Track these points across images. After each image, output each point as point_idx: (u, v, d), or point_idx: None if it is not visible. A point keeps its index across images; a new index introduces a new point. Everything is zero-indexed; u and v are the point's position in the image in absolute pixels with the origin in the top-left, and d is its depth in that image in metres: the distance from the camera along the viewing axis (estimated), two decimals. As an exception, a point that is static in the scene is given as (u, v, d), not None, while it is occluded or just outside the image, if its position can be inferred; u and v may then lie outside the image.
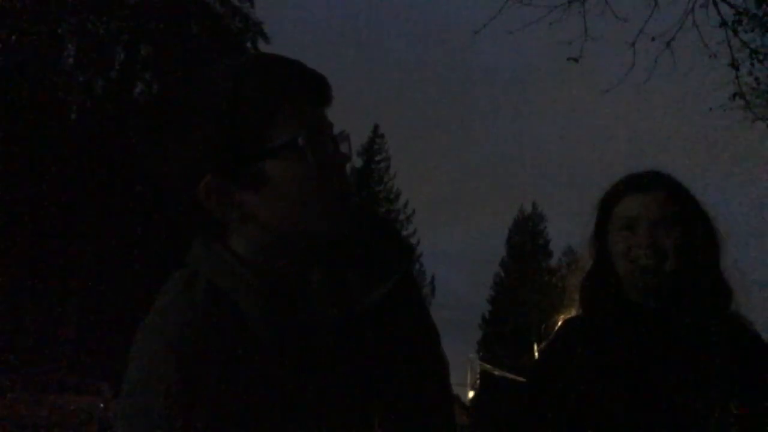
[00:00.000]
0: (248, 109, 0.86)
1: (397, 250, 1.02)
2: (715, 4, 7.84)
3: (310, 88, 0.89)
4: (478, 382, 30.92)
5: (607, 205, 1.45)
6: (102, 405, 13.77)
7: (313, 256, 0.93)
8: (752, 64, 8.19)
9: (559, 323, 1.51)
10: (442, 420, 1.05)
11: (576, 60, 7.89)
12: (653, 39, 8.01)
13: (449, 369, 1.09)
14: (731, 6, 7.99)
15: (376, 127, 37.34)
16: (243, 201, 0.88)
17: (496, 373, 27.15)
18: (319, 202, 0.88)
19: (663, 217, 1.36)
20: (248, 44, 21.69)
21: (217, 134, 0.86)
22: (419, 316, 1.05)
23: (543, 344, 1.52)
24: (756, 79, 8.27)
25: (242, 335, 0.87)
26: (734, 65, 8.10)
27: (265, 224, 0.89)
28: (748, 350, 1.33)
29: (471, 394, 31.17)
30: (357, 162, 36.91)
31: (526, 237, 40.63)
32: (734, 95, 8.30)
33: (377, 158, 37.19)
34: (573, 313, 1.51)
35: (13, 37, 15.71)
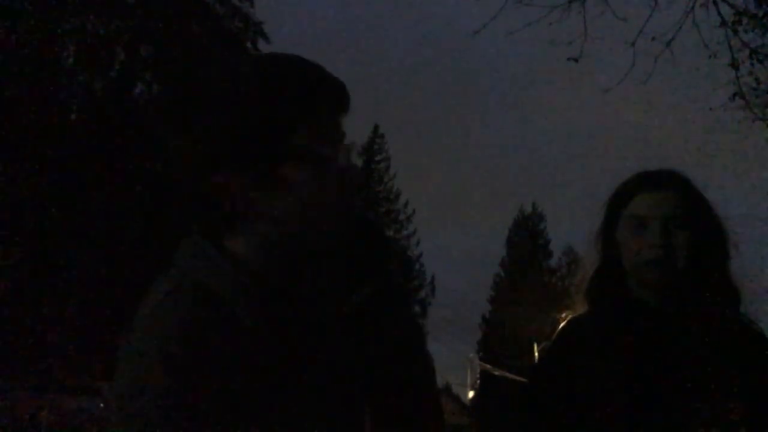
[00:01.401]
0: (276, 110, 0.87)
1: (379, 252, 1.03)
2: (715, 4, 7.84)
3: (334, 96, 0.91)
4: (478, 382, 30.90)
5: (617, 202, 1.44)
6: (102, 405, 13.75)
7: (305, 258, 0.94)
8: (752, 64, 8.19)
9: (562, 323, 1.50)
10: (431, 416, 1.06)
11: (576, 60, 7.89)
12: (653, 39, 8.01)
13: (434, 366, 1.10)
14: (731, 6, 7.99)
15: (376, 127, 37.36)
16: (256, 200, 0.88)
17: (496, 373, 27.13)
18: (329, 211, 0.90)
19: (674, 216, 1.35)
20: (248, 44, 21.68)
21: (242, 130, 0.86)
22: (403, 317, 1.06)
23: (545, 344, 1.51)
24: (756, 79, 8.27)
25: (233, 334, 0.87)
26: (734, 65, 8.10)
27: (272, 226, 0.89)
28: (753, 351, 1.33)
29: (471, 394, 31.15)
30: (357, 162, 36.86)
31: (526, 237, 40.62)
32: (734, 95, 8.31)
33: (377, 158, 37.19)
34: (575, 312, 1.51)
35: (13, 37, 15.70)
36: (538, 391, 1.47)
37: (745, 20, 8.03)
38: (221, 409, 0.84)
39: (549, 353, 1.48)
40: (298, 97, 0.88)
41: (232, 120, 0.86)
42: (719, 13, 7.90)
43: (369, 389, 0.99)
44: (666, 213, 1.35)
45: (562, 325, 1.49)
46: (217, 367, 0.85)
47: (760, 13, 8.06)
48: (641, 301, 1.38)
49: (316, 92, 0.89)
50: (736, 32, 8.00)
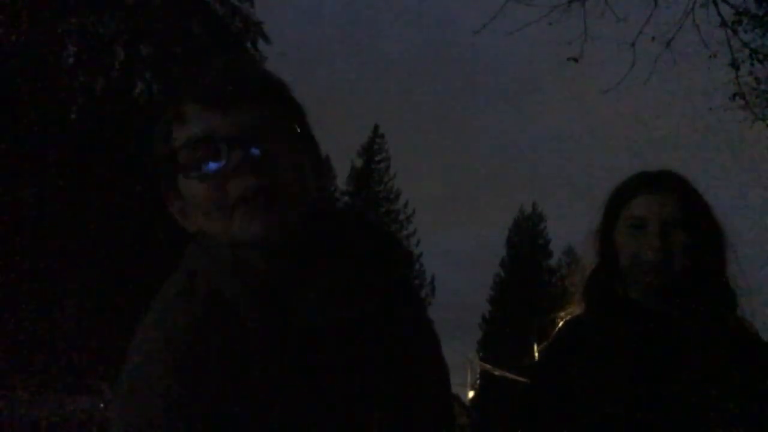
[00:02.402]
0: (162, 115, 0.87)
1: (396, 256, 1.02)
2: (715, 4, 7.84)
3: (204, 90, 0.84)
4: (478, 382, 30.88)
5: (616, 203, 1.43)
6: (102, 405, 13.75)
7: (313, 259, 0.93)
8: (752, 64, 8.19)
9: (560, 323, 1.50)
10: (443, 424, 1.05)
11: (576, 60, 7.89)
12: (653, 39, 8.02)
13: (449, 374, 1.08)
14: (731, 6, 7.99)
15: (376, 127, 37.32)
16: (178, 214, 0.90)
17: (496, 373, 27.12)
18: (222, 211, 0.83)
19: (673, 219, 1.34)
20: (248, 44, 21.68)
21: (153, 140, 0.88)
22: (419, 321, 1.05)
23: (543, 344, 1.51)
24: (756, 79, 8.27)
25: (239, 336, 0.87)
26: (734, 65, 8.09)
27: (201, 233, 0.89)
28: (750, 353, 1.33)
29: (471, 394, 31.13)
30: (357, 162, 36.90)
31: (526, 237, 40.61)
32: (734, 95, 8.30)
33: (377, 158, 37.16)
34: (573, 312, 1.51)
35: (13, 37, 15.69)
36: (537, 391, 1.47)
37: (745, 20, 8.03)
38: (226, 409, 0.84)
39: (546, 354, 1.48)
40: (171, 98, 0.86)
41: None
42: (719, 13, 7.90)
43: (378, 393, 0.98)
44: (665, 215, 1.35)
45: (559, 325, 1.49)
46: (222, 368, 0.85)
47: (760, 13, 8.06)
48: (638, 302, 1.38)
49: (181, 86, 0.86)
50: (736, 32, 8.00)
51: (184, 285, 0.90)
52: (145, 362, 0.84)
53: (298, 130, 0.88)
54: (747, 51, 8.13)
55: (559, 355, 1.44)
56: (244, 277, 0.89)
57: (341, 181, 36.37)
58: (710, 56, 8.00)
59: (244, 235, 0.83)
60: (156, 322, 0.87)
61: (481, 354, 36.45)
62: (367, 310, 0.94)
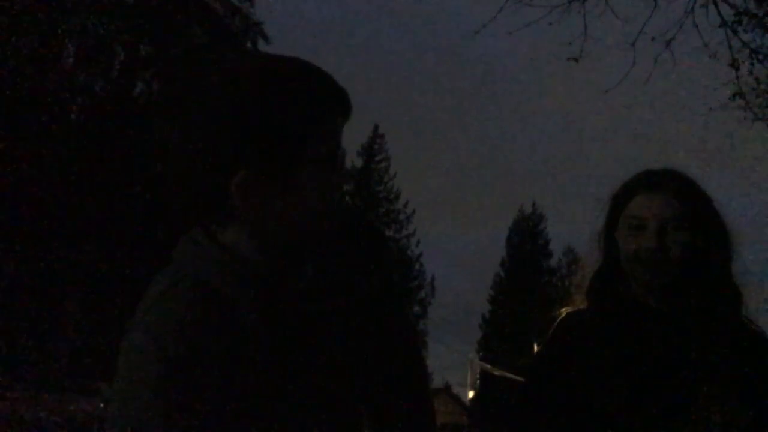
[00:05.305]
0: (297, 120, 0.87)
1: (377, 251, 1.04)
2: (715, 4, 7.85)
3: (342, 105, 0.93)
4: (478, 382, 30.88)
5: (618, 202, 1.43)
6: (102, 405, 13.76)
7: (305, 253, 0.94)
8: (752, 64, 8.19)
9: (559, 318, 1.50)
10: (422, 418, 1.07)
11: (576, 60, 7.90)
12: (653, 39, 8.03)
13: (427, 367, 1.11)
14: (731, 6, 7.99)
15: (376, 127, 37.36)
16: (268, 199, 0.88)
17: (496, 373, 27.13)
18: (329, 210, 0.93)
19: (674, 218, 1.34)
20: (248, 44, 21.69)
21: (264, 137, 0.86)
22: (397, 318, 1.07)
23: (542, 339, 1.51)
24: (756, 79, 8.27)
25: (232, 331, 0.87)
26: (734, 65, 8.10)
27: (276, 224, 0.90)
28: (752, 351, 1.33)
29: (471, 394, 31.14)
30: (357, 162, 36.93)
31: (526, 237, 40.63)
32: (734, 95, 8.30)
33: (377, 158, 37.19)
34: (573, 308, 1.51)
35: (13, 37, 15.69)
36: (535, 385, 1.47)
37: (745, 20, 8.03)
38: (219, 406, 0.84)
39: (547, 347, 1.48)
40: (315, 108, 0.90)
41: (256, 126, 0.86)
42: (719, 13, 7.91)
43: (364, 386, 1.00)
44: (663, 214, 1.35)
45: (559, 318, 1.49)
46: (215, 363, 0.85)
47: (760, 13, 8.06)
48: (641, 300, 1.39)
49: (328, 102, 0.92)
50: (736, 32, 8.01)
51: (172, 280, 0.90)
52: (134, 358, 0.84)
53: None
54: (747, 51, 8.15)
55: (559, 349, 1.44)
56: (241, 273, 0.89)
57: (341, 181, 36.29)
58: (710, 56, 8.02)
59: (315, 228, 0.93)
60: (144, 318, 0.87)
61: (481, 354, 36.46)
62: (354, 304, 0.97)
